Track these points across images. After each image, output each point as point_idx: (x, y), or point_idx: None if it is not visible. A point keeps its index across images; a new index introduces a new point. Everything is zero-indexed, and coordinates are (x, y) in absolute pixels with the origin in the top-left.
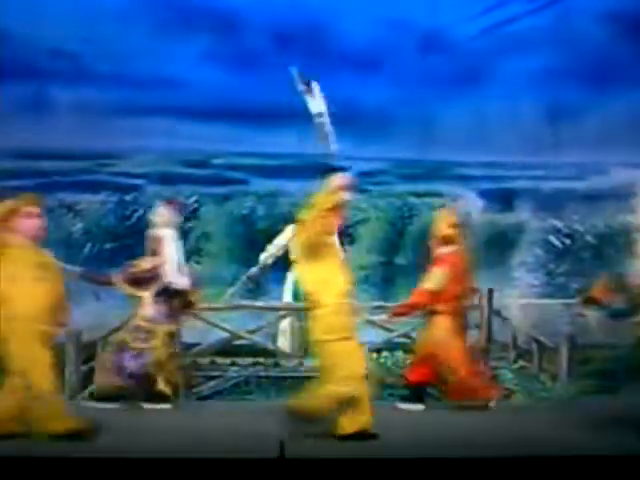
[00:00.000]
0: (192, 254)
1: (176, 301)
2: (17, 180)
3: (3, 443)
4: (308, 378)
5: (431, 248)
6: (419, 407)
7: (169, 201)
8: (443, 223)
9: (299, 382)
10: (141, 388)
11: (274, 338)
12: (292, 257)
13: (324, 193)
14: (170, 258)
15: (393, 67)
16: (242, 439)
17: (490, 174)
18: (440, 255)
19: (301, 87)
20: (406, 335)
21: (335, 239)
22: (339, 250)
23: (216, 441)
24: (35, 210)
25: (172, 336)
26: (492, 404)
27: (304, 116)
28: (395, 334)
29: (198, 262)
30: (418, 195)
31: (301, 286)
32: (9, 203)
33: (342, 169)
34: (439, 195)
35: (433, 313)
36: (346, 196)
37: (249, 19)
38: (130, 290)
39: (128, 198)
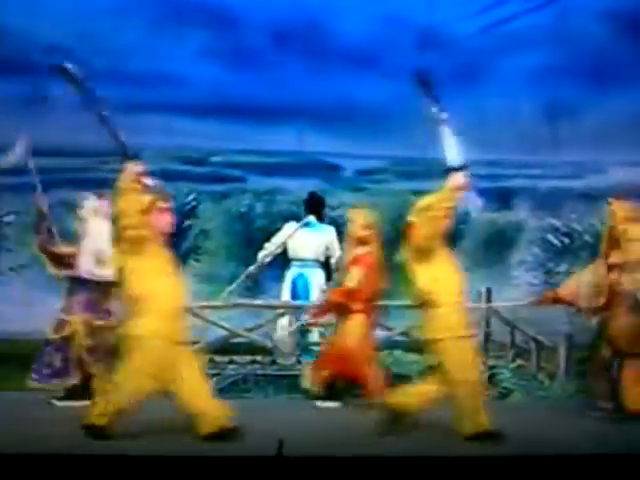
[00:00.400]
0: (190, 252)
1: (96, 292)
2: (15, 177)
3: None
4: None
5: (346, 249)
6: (335, 404)
7: (100, 194)
8: (357, 224)
9: (297, 380)
10: (63, 383)
11: (272, 336)
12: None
13: (443, 193)
14: (86, 248)
15: (391, 64)
16: (240, 437)
17: (488, 172)
18: (356, 256)
19: (424, 92)
20: (405, 333)
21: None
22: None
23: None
24: (168, 205)
25: (91, 328)
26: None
27: (303, 114)
28: (394, 332)
29: (196, 260)
30: (417, 193)
31: (413, 286)
32: (146, 198)
33: (463, 168)
34: None
35: (347, 312)
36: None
37: (247, 16)
38: (51, 267)
39: None
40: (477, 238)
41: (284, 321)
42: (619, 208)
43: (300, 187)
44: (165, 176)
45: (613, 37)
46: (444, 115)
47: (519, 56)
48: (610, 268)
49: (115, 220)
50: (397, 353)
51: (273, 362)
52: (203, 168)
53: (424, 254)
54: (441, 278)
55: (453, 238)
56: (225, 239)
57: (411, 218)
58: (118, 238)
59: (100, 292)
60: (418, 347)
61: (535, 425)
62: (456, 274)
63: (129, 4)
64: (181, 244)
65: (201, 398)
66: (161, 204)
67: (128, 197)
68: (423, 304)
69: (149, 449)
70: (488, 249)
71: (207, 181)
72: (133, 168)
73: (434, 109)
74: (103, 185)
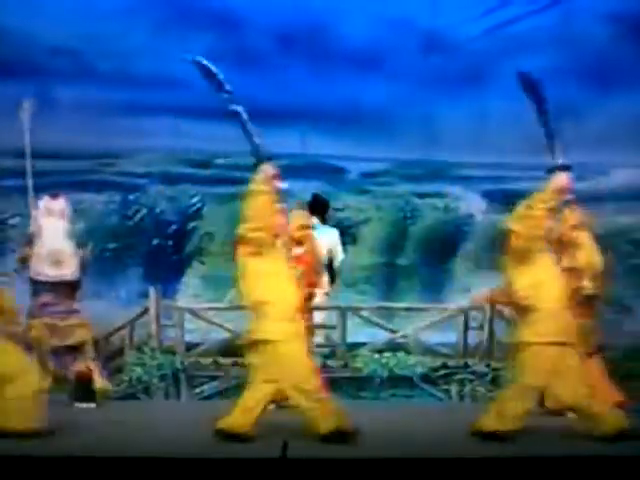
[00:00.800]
0: (195, 254)
1: (55, 293)
2: (19, 179)
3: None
4: None
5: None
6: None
7: (54, 195)
8: (293, 225)
9: None
10: None
11: None
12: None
13: (545, 194)
14: (41, 250)
15: (395, 67)
16: (244, 439)
17: (492, 175)
18: (294, 255)
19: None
20: (408, 336)
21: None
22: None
23: (217, 441)
24: (284, 208)
25: (54, 329)
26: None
27: (307, 116)
28: (397, 335)
29: (201, 262)
30: (420, 196)
31: (511, 289)
32: (276, 202)
33: (567, 169)
34: (442, 196)
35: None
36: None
37: (251, 18)
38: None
39: (131, 198)
40: (481, 240)
41: None
42: (570, 215)
43: (304, 189)
44: (170, 178)
45: (616, 39)
46: (237, 107)
47: (523, 58)
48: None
49: (243, 221)
50: (400, 355)
51: None
52: (208, 170)
53: (523, 257)
54: (540, 283)
55: (457, 240)
56: (229, 241)
57: (510, 225)
58: (244, 240)
59: (61, 292)
60: (421, 349)
61: (537, 425)
62: (556, 279)
63: (134, 7)
64: (186, 246)
65: (320, 401)
66: (281, 207)
67: (260, 199)
68: (519, 309)
69: (154, 450)
70: (492, 251)
71: (212, 183)
72: (268, 171)
73: (226, 96)
74: (103, 187)
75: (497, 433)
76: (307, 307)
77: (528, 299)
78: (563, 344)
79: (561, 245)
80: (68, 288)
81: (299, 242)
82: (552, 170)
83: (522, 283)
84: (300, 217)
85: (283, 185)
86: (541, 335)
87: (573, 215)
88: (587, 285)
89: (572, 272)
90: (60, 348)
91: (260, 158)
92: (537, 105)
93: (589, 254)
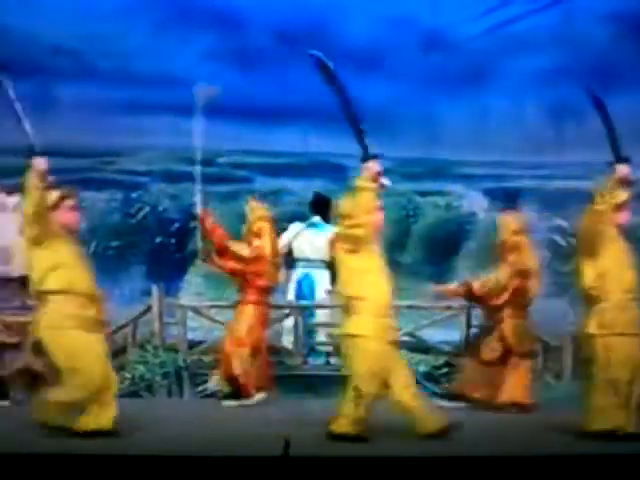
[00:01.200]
0: (196, 252)
1: (6, 289)
2: (20, 178)
3: None
4: (312, 377)
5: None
6: (236, 403)
7: (8, 190)
8: (252, 218)
9: (303, 380)
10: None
11: (278, 336)
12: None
13: (608, 187)
14: None
15: (396, 66)
16: (246, 437)
17: (494, 173)
18: (253, 247)
19: None
20: (411, 334)
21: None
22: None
23: (220, 439)
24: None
25: (5, 325)
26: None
27: (309, 114)
28: (400, 333)
29: (204, 260)
30: (422, 194)
31: (579, 281)
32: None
33: (627, 160)
34: (443, 194)
35: (240, 302)
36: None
37: (252, 17)
38: None
39: (133, 196)
40: (483, 239)
41: (289, 322)
42: (510, 221)
43: (306, 188)
44: (171, 177)
45: (617, 39)
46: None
47: (524, 58)
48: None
49: (343, 218)
50: (403, 353)
51: (280, 362)
52: (210, 168)
53: (591, 248)
54: (607, 274)
55: (459, 238)
56: (231, 239)
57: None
58: (342, 237)
59: (12, 289)
60: (423, 348)
61: (540, 425)
62: (626, 270)
63: (135, 6)
64: (188, 244)
65: (416, 397)
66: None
67: (364, 196)
68: (587, 299)
69: (156, 448)
70: (494, 250)
71: (213, 182)
72: (374, 167)
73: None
74: (104, 185)
75: (604, 432)
76: (264, 300)
77: (593, 290)
78: (625, 335)
79: (504, 250)
80: (16, 284)
81: (257, 235)
82: (612, 163)
83: (589, 274)
84: (259, 209)
85: (387, 182)
86: (607, 327)
87: (514, 221)
88: (534, 286)
89: (520, 274)
90: (14, 344)
91: (367, 156)
92: (605, 122)
93: (531, 257)
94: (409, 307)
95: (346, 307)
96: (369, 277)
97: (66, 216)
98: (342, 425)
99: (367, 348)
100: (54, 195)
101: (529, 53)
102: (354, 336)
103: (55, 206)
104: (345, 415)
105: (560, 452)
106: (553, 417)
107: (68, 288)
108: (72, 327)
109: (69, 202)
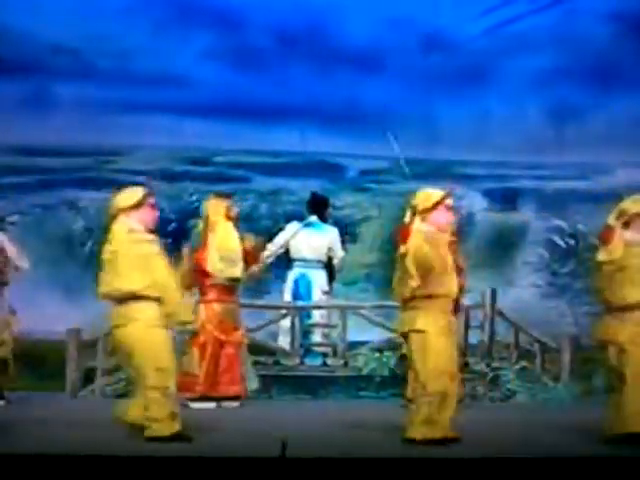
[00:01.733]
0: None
1: None
2: (19, 177)
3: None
4: (308, 377)
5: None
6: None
7: None
8: (209, 212)
9: (300, 381)
10: None
11: (275, 337)
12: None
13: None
14: None
15: (396, 66)
16: (243, 438)
17: (493, 173)
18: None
19: None
20: None
21: None
22: None
23: (217, 440)
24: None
25: None
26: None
27: (306, 114)
28: (397, 333)
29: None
30: None
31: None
32: (435, 194)
33: None
34: None
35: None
36: None
37: (251, 17)
38: None
39: None
40: (482, 239)
41: (286, 322)
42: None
43: (304, 187)
44: (169, 176)
45: (618, 39)
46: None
47: (524, 58)
48: None
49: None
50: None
51: (276, 362)
52: (207, 168)
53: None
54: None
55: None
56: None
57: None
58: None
59: None
60: None
61: (539, 427)
62: None
63: (135, 6)
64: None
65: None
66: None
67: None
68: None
69: (151, 449)
70: (493, 250)
71: (211, 181)
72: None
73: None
74: (102, 185)
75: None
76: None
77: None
78: None
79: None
80: None
81: (212, 230)
82: None
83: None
84: (217, 205)
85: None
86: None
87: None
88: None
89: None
90: None
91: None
92: None
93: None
94: None
95: (410, 304)
96: (442, 274)
97: (151, 214)
98: (417, 431)
99: (435, 344)
100: (139, 193)
101: (529, 53)
102: (416, 331)
103: (139, 204)
104: (418, 419)
105: (560, 452)
106: (553, 417)
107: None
108: (163, 326)
109: (151, 200)
